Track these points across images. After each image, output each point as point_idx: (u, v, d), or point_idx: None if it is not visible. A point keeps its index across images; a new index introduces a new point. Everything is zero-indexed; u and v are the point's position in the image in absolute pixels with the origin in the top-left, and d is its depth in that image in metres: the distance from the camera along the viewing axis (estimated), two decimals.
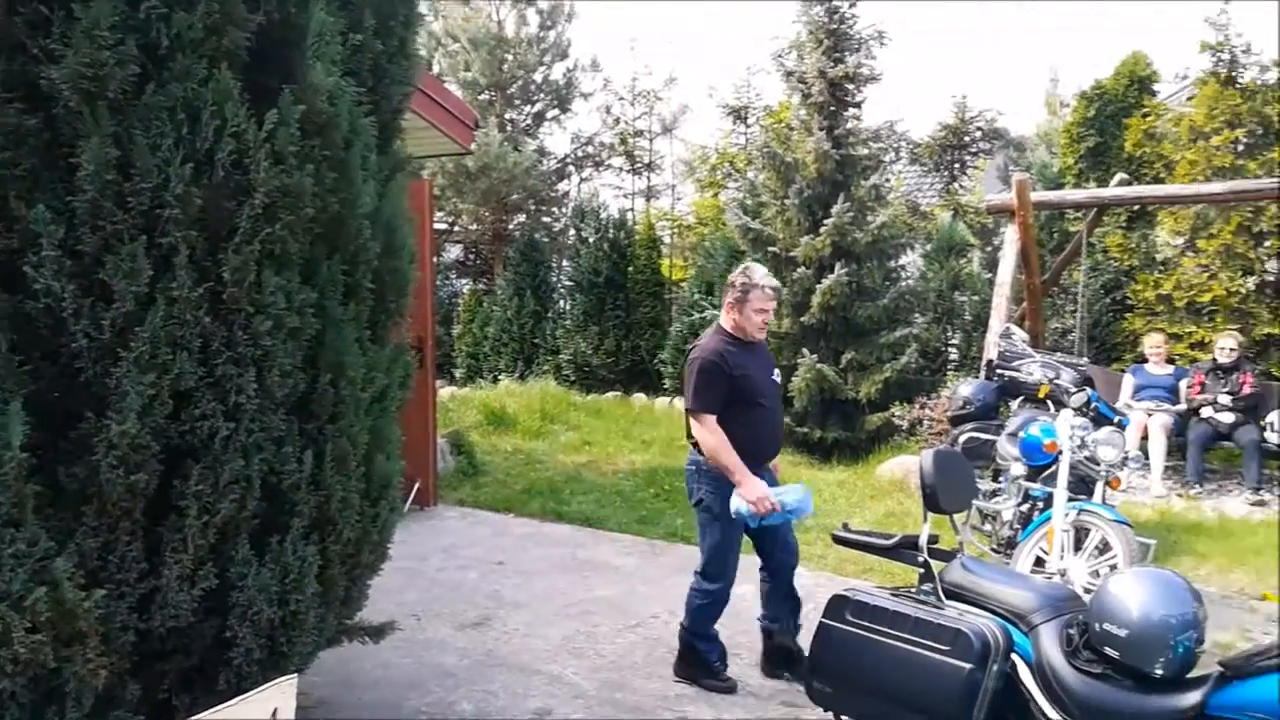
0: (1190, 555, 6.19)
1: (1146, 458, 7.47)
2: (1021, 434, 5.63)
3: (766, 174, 10.38)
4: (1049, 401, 6.12)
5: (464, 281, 16.90)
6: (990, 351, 7.54)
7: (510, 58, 16.21)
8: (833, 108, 9.97)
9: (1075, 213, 9.90)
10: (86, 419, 2.53)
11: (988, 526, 5.96)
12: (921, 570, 3.35)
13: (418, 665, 4.45)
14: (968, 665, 2.94)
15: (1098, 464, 5.25)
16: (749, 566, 4.34)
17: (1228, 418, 7.62)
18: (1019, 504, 5.60)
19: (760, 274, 4.22)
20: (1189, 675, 2.71)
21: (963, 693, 2.93)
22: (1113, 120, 10.33)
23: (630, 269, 13.45)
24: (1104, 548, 4.94)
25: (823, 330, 9.62)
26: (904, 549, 3.46)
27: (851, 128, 10.06)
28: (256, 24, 2.74)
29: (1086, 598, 3.17)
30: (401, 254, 3.39)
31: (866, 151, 10.00)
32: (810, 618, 3.94)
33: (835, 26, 9.95)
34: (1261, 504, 7.31)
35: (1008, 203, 8.56)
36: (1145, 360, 8.34)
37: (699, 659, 4.30)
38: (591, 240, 13.67)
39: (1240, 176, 8.64)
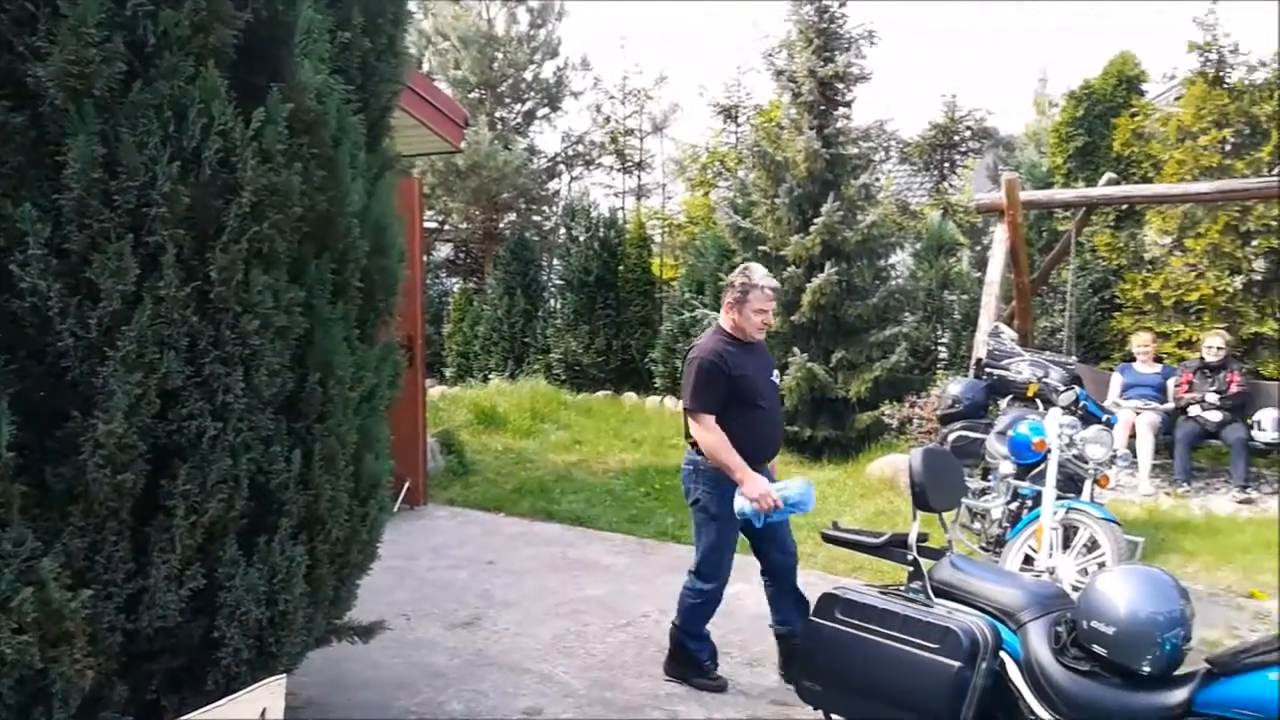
0: (1178, 553, 6.22)
1: (1134, 456, 7.50)
2: (1010, 432, 5.65)
3: (757, 173, 10.39)
4: (1038, 400, 6.14)
5: (454, 280, 16.87)
6: (979, 350, 7.56)
7: (500, 56, 16.19)
8: (823, 107, 9.98)
9: (1064, 212, 9.94)
10: (73, 418, 2.52)
11: (977, 525, 5.98)
12: (911, 568, 3.36)
13: (407, 665, 4.45)
14: (957, 663, 2.95)
15: (1086, 462, 5.27)
16: (741, 565, 4.34)
17: (1215, 416, 7.66)
18: (1008, 502, 5.62)
19: (760, 274, 4.20)
20: (1176, 672, 2.73)
21: (952, 690, 2.94)
22: (1101, 120, 10.38)
23: (621, 268, 13.44)
24: (1092, 545, 4.97)
25: (813, 329, 9.63)
26: (893, 547, 3.47)
27: (841, 127, 10.07)
28: (244, 21, 2.73)
29: (1075, 595, 3.18)
30: (390, 252, 3.38)
31: (856, 151, 10.02)
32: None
33: (825, 26, 9.96)
34: (1249, 502, 7.35)
35: (997, 202, 8.59)
36: (1133, 359, 8.38)
37: (689, 658, 4.30)
38: (582, 239, 13.66)
39: (1228, 176, 8.69)
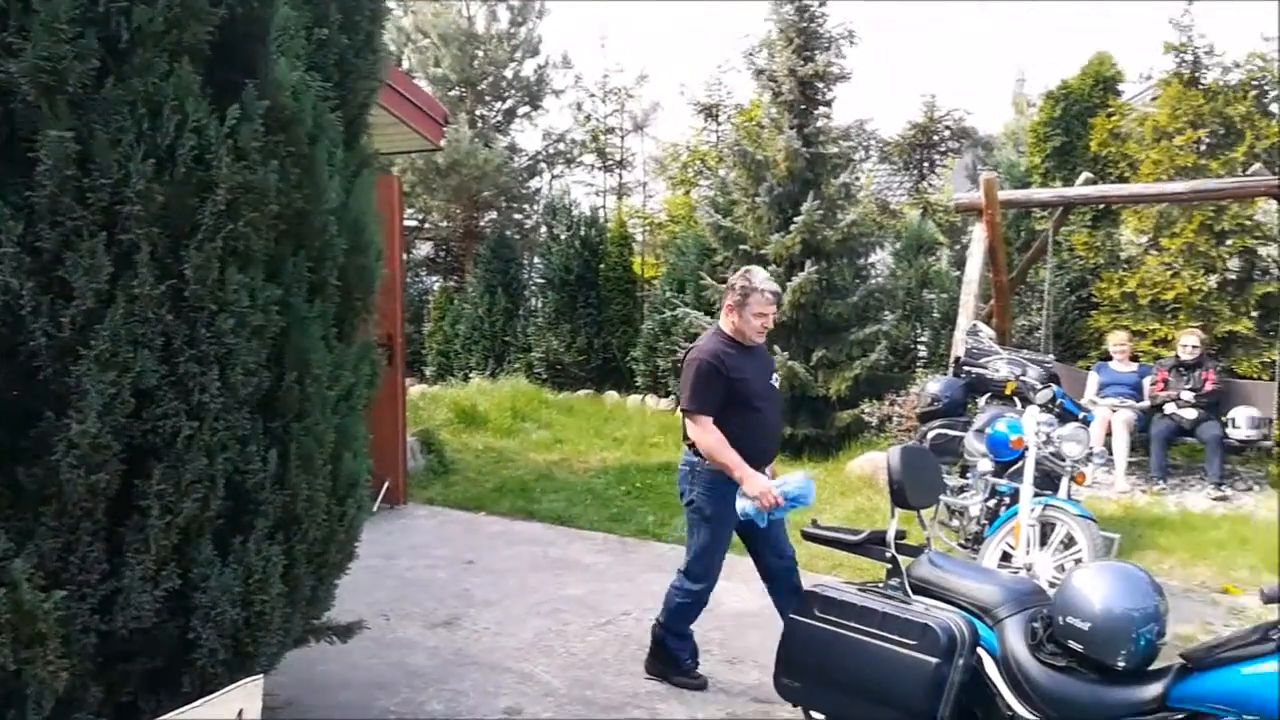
0: (1154, 549, 6.28)
1: (1110, 453, 7.57)
2: (988, 430, 5.69)
3: (737, 172, 10.41)
4: (1015, 398, 6.18)
5: (435, 278, 16.79)
6: (958, 348, 7.60)
7: (481, 54, 16.13)
8: (803, 106, 10.01)
9: (1042, 211, 10.00)
10: (46, 418, 2.49)
11: (955, 522, 6.01)
12: (889, 566, 3.38)
13: (387, 665, 4.43)
14: (934, 659, 2.97)
15: (1063, 459, 5.31)
16: (724, 562, 4.33)
17: (1190, 414, 7.74)
18: (986, 499, 5.65)
19: (761, 278, 4.17)
20: (1151, 667, 2.76)
21: (929, 686, 2.96)
22: (1078, 120, 10.44)
23: (602, 266, 13.43)
24: (1069, 542, 5.01)
25: (793, 327, 9.66)
26: (872, 545, 3.49)
27: (821, 126, 10.10)
28: (219, 18, 2.71)
29: (1051, 592, 3.20)
30: (369, 250, 3.36)
31: (836, 150, 10.05)
32: (778, 613, 3.96)
33: (805, 25, 9.99)
34: (1223, 499, 7.44)
35: (976, 201, 8.64)
36: (1110, 357, 8.45)
37: (670, 656, 4.30)
38: (563, 237, 13.64)
39: (1203, 176, 8.77)
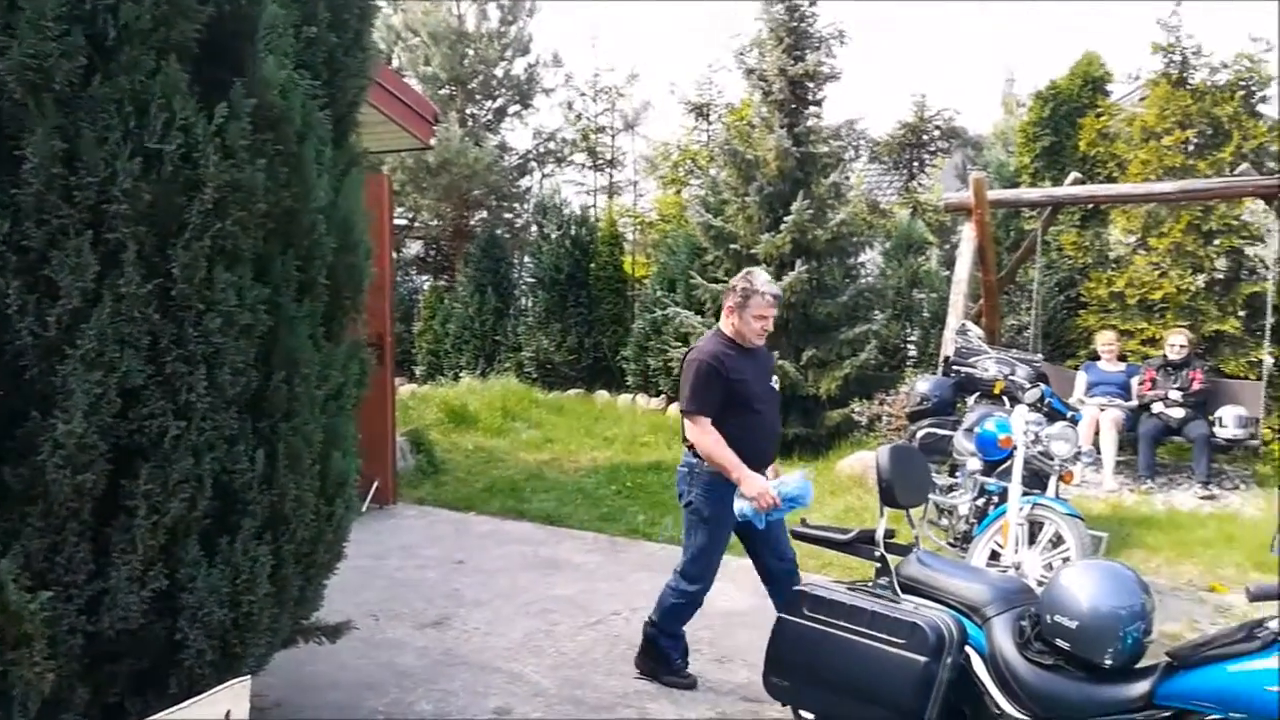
0: (1141, 548, 6.31)
1: (1099, 452, 7.59)
2: (977, 429, 5.70)
3: (728, 171, 10.42)
4: (1004, 397, 6.20)
5: (425, 278, 16.76)
6: (947, 348, 7.62)
7: (471, 52, 16.10)
8: (793, 105, 10.03)
9: (1031, 211, 10.04)
10: (32, 418, 2.48)
11: (944, 521, 6.02)
12: (878, 564, 3.39)
13: (376, 665, 4.42)
14: (923, 658, 2.98)
15: (1051, 458, 5.33)
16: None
17: (1178, 413, 7.78)
18: (975, 498, 5.67)
19: (762, 280, 4.16)
20: (1138, 665, 2.77)
21: (918, 685, 2.97)
22: (1067, 120, 10.49)
23: (592, 266, 13.41)
24: (1057, 541, 5.02)
25: (783, 327, 9.65)
26: (861, 544, 3.50)
27: (812, 125, 10.13)
28: (207, 16, 2.70)
29: (1040, 590, 3.21)
30: (357, 249, 3.35)
31: (827, 149, 10.08)
32: (768, 613, 3.96)
33: (796, 25, 10.00)
34: (1210, 497, 7.47)
35: (965, 201, 8.66)
36: (1098, 357, 8.48)
37: (661, 654, 4.30)
38: (553, 236, 13.62)
39: (1190, 176, 8.81)
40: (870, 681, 3.08)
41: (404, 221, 16.10)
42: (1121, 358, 8.48)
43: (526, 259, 14.84)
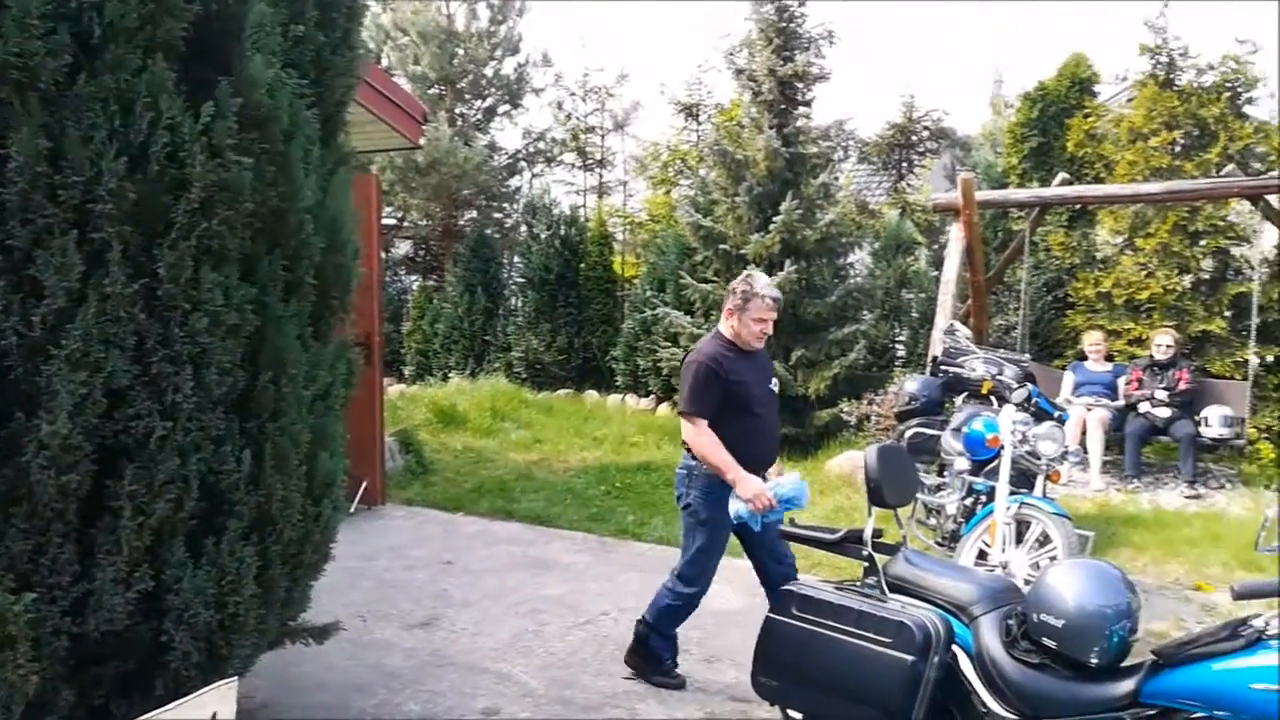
0: (1128, 547, 6.34)
1: (1085, 452, 7.63)
2: (965, 429, 5.72)
3: (717, 171, 10.43)
4: (992, 397, 6.22)
5: (414, 278, 16.73)
6: (935, 348, 7.64)
7: (460, 52, 16.08)
8: (783, 106, 10.04)
9: (1019, 212, 10.07)
10: (16, 418, 2.47)
11: (932, 520, 6.05)
12: (866, 564, 3.39)
13: (364, 666, 4.40)
14: (910, 657, 2.98)
15: (1038, 458, 5.35)
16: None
17: (1164, 413, 7.82)
18: (962, 498, 5.69)
19: (762, 283, 4.17)
20: (1124, 664, 2.78)
21: (905, 684, 2.97)
22: (1055, 121, 10.52)
23: (582, 266, 13.41)
24: (1044, 540, 5.04)
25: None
26: (849, 543, 3.49)
27: (801, 126, 10.15)
28: (194, 14, 2.69)
29: (1027, 589, 3.23)
30: (345, 249, 3.34)
31: (816, 150, 10.09)
32: (758, 613, 3.96)
33: (785, 25, 10.02)
34: (1196, 496, 7.52)
35: (953, 201, 8.69)
36: (1085, 357, 8.52)
37: (650, 654, 4.30)
38: (543, 237, 13.60)
39: (1177, 177, 8.86)
40: (858, 681, 3.09)
41: (393, 221, 16.07)
42: (1108, 358, 8.52)
43: (516, 259, 14.82)
